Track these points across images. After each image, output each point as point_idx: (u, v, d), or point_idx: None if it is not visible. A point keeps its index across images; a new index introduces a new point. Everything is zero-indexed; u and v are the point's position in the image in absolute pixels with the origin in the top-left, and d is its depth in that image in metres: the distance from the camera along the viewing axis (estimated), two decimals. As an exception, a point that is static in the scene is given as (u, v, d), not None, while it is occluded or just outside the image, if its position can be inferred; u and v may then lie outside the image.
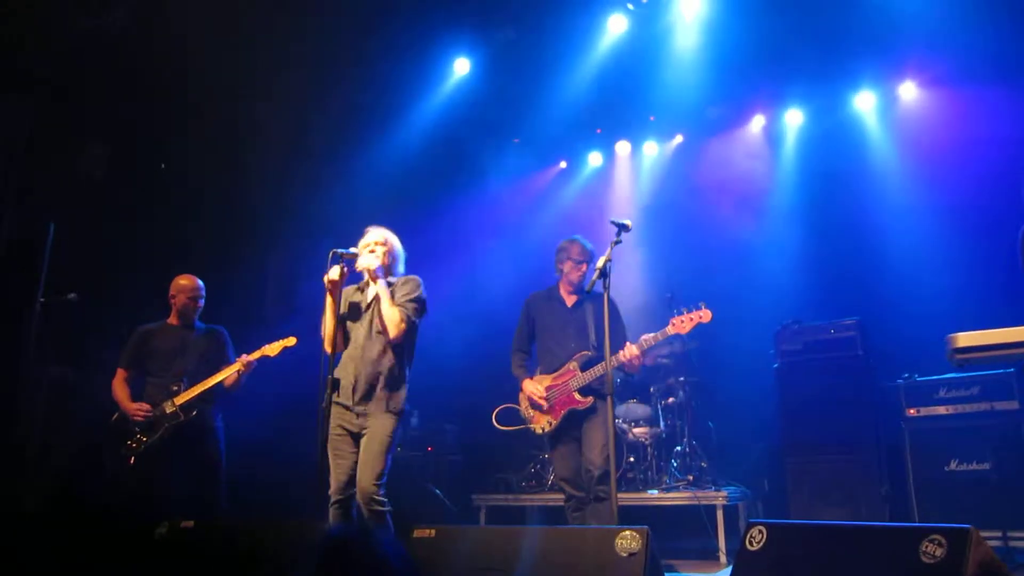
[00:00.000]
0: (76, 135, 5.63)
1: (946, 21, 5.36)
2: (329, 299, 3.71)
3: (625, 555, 2.88)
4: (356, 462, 3.68)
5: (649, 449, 5.80)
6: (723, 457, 5.93)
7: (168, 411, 4.42)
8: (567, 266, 4.45)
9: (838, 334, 5.26)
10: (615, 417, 4.32)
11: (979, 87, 5.81)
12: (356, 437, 3.73)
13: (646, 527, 2.93)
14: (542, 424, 4.33)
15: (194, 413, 4.44)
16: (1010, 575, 2.75)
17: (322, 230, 6.31)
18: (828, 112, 6.68)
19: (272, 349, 4.49)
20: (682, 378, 5.95)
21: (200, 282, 4.75)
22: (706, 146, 7.19)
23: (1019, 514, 4.36)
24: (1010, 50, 5.48)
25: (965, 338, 3.04)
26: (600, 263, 3.79)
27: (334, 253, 3.66)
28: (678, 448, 5.84)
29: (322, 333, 3.80)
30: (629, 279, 6.56)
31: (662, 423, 5.98)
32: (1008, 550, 4.34)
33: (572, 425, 4.26)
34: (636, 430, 5.83)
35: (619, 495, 3.58)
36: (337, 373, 3.74)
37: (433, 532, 3.35)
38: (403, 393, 3.80)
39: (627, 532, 2.93)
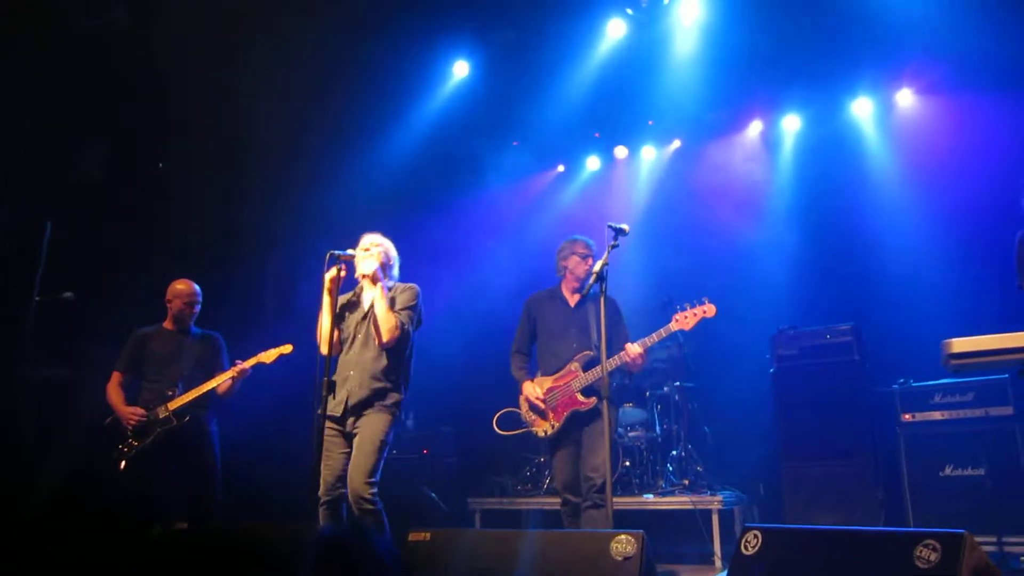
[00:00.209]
0: (74, 134, 5.62)
1: (943, 29, 5.39)
2: (327, 299, 3.69)
3: (620, 559, 2.88)
4: (346, 462, 3.68)
5: (645, 453, 5.80)
6: (719, 461, 5.93)
7: (162, 416, 4.41)
8: (572, 261, 4.37)
9: (834, 339, 5.28)
10: (617, 425, 4.31)
11: (975, 95, 5.85)
12: (348, 437, 3.73)
13: (641, 531, 2.94)
14: (544, 428, 4.24)
15: (187, 418, 4.42)
16: (1004, 581, 2.75)
17: (320, 232, 6.31)
18: (825, 118, 6.70)
19: (268, 356, 4.47)
20: (678, 382, 5.96)
21: (197, 287, 4.73)
22: (704, 151, 7.21)
23: (1013, 519, 4.38)
24: (1006, 58, 5.51)
25: (960, 344, 3.06)
26: (597, 267, 3.80)
27: (331, 255, 3.66)
28: (674, 452, 5.84)
29: (318, 335, 3.80)
30: (625, 283, 6.57)
31: (658, 427, 5.98)
32: (1003, 555, 4.36)
33: (574, 428, 4.18)
34: (632, 434, 5.84)
35: (615, 499, 3.59)
36: (333, 377, 3.74)
37: (428, 535, 3.35)
38: (398, 396, 3.79)
39: (623, 536, 2.93)
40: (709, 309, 4.00)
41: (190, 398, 4.43)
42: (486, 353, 6.58)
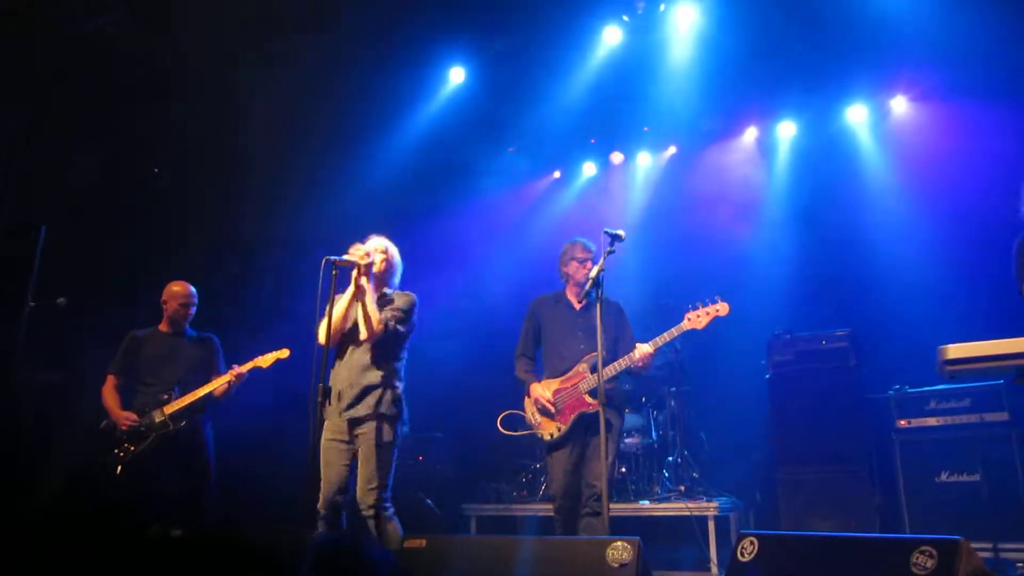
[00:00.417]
0: (69, 139, 5.61)
1: (937, 36, 5.42)
2: (353, 288, 3.67)
3: (616, 565, 2.87)
4: (346, 473, 3.65)
5: (641, 459, 5.79)
6: (715, 467, 5.93)
7: (157, 420, 4.38)
8: (572, 267, 4.35)
9: (829, 345, 5.28)
10: (621, 432, 4.29)
11: (969, 101, 5.88)
12: (349, 446, 3.70)
13: (637, 537, 2.93)
14: (551, 430, 4.16)
15: (183, 423, 4.40)
16: (1000, 587, 2.75)
17: (316, 238, 6.29)
18: (820, 125, 6.73)
19: (264, 361, 4.46)
20: (674, 388, 5.95)
21: (193, 289, 4.72)
22: (699, 157, 7.23)
23: (1009, 525, 4.37)
24: (1000, 65, 5.55)
25: (956, 350, 3.06)
26: (593, 273, 3.79)
27: (327, 261, 3.63)
28: (670, 458, 5.83)
29: (318, 329, 3.67)
30: (621, 289, 6.57)
31: (654, 433, 5.97)
32: (998, 561, 4.35)
33: (580, 432, 4.12)
34: (628, 440, 5.83)
35: (611, 505, 3.57)
36: (329, 382, 3.72)
37: (424, 542, 3.34)
38: (396, 399, 3.76)
39: (618, 543, 2.92)
40: (722, 308, 3.95)
41: (186, 403, 4.41)
42: (482, 359, 6.58)
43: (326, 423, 3.70)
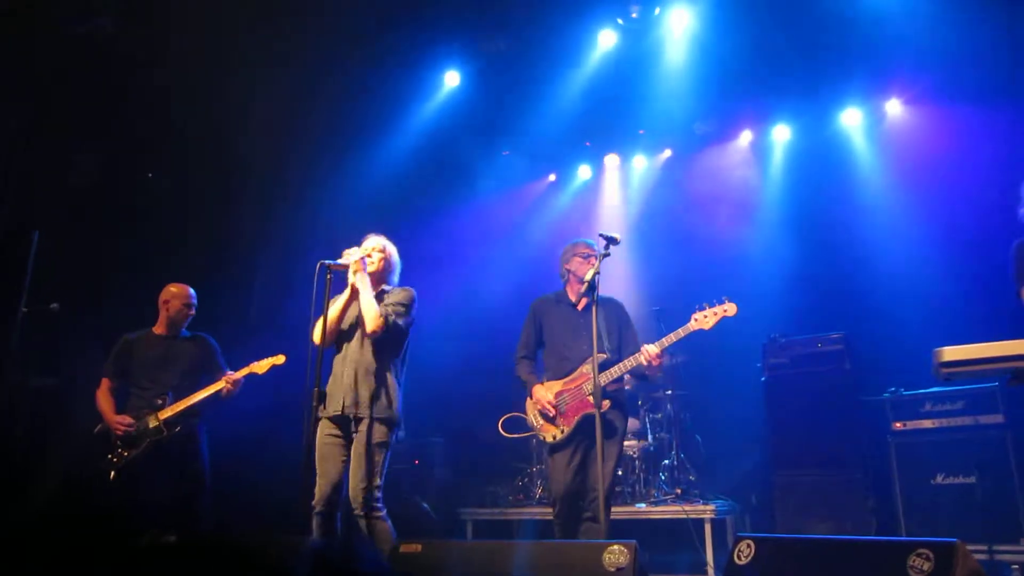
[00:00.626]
0: (68, 140, 5.59)
1: (931, 40, 5.45)
2: (350, 289, 3.75)
3: (613, 569, 2.87)
4: (344, 470, 3.65)
5: (637, 462, 5.79)
6: (711, 470, 5.93)
7: (151, 425, 4.34)
8: (575, 263, 4.27)
9: (825, 348, 5.29)
10: (626, 433, 4.28)
11: (964, 105, 5.90)
12: (347, 443, 3.70)
13: (634, 541, 2.92)
14: (553, 433, 4.10)
15: (177, 428, 4.36)
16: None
17: (312, 241, 6.29)
18: (815, 128, 6.75)
19: (260, 367, 4.42)
20: (670, 391, 5.96)
21: (192, 290, 4.69)
22: (694, 160, 7.24)
23: (1005, 527, 4.38)
24: (994, 68, 5.57)
25: (951, 352, 3.06)
26: (588, 276, 3.78)
27: (321, 264, 3.63)
28: (666, 461, 5.83)
29: (313, 329, 3.66)
30: (617, 292, 6.55)
31: (650, 436, 5.97)
32: (994, 563, 4.36)
33: (582, 435, 4.06)
34: (625, 443, 5.82)
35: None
36: (328, 380, 3.73)
37: (420, 547, 3.32)
38: (395, 399, 3.76)
39: (615, 546, 2.92)
40: (730, 308, 3.92)
41: (180, 408, 4.37)
42: (477, 362, 6.57)
43: (321, 422, 3.71)
